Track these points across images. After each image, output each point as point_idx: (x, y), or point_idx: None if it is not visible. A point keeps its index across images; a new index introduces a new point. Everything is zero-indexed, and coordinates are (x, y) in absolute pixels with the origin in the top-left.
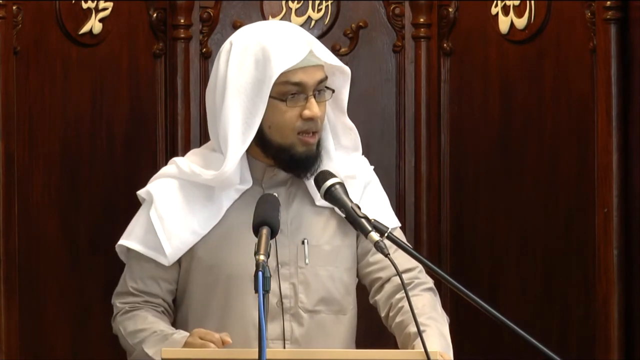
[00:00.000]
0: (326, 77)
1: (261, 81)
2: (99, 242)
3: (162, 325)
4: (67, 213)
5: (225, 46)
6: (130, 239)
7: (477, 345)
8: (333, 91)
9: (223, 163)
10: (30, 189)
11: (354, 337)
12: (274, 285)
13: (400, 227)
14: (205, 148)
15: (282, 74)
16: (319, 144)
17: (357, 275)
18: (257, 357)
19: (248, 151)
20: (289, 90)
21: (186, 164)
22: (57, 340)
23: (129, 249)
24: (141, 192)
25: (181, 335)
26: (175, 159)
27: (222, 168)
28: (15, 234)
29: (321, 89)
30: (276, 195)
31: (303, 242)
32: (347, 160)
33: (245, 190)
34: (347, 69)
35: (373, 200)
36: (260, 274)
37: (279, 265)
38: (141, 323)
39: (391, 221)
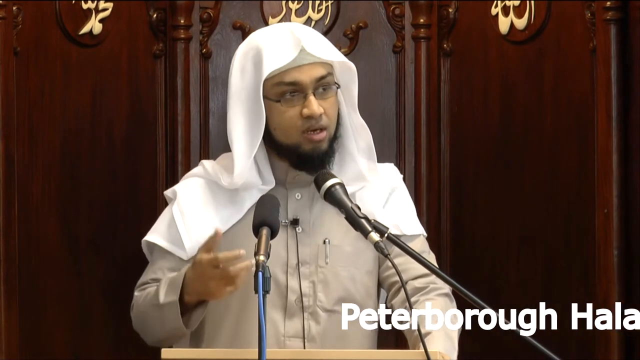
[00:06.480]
0: (328, 74)
1: (258, 83)
2: (99, 242)
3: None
4: (67, 213)
5: (235, 53)
6: (154, 235)
7: (476, 344)
8: (338, 86)
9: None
10: (30, 189)
11: (374, 342)
12: (294, 282)
13: (426, 237)
14: None
15: (275, 76)
16: (333, 142)
17: (377, 280)
18: (257, 357)
19: (268, 153)
20: (284, 90)
21: (211, 165)
22: (57, 341)
23: (153, 246)
24: (167, 192)
25: (181, 271)
26: (203, 160)
27: (233, 175)
28: (15, 234)
29: (324, 86)
30: (299, 196)
31: (324, 242)
32: (368, 164)
33: (269, 190)
34: (352, 65)
35: (398, 206)
36: (260, 274)
37: (300, 264)
38: (150, 289)
39: (415, 229)
